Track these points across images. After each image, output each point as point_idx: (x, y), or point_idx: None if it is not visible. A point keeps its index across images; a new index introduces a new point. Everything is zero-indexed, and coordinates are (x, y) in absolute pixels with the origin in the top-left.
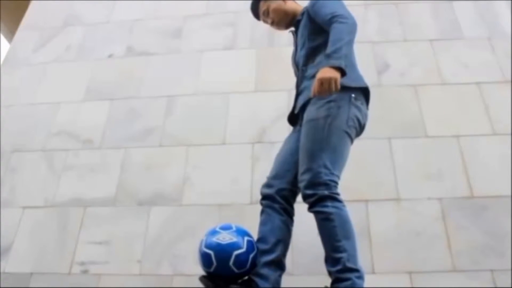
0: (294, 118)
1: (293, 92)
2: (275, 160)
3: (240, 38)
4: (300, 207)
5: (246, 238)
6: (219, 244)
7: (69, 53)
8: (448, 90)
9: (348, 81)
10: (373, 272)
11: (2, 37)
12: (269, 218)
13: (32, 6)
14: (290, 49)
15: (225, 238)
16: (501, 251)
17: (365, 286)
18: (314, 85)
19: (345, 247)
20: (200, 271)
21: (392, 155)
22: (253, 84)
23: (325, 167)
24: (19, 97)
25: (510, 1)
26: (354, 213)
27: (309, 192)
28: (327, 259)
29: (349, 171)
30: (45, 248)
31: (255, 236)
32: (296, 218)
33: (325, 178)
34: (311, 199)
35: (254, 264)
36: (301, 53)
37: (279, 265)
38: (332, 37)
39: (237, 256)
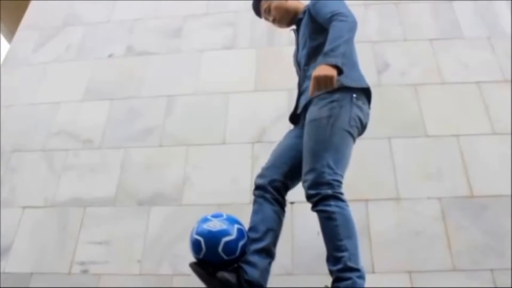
0: (296, 118)
1: (293, 92)
2: (272, 153)
3: (240, 38)
4: (301, 206)
5: (236, 226)
6: (209, 231)
7: (69, 53)
8: (448, 90)
9: (350, 81)
10: (373, 272)
11: (2, 37)
12: (260, 208)
13: (31, 6)
14: (290, 48)
15: (215, 225)
16: (501, 250)
17: (365, 285)
18: (310, 84)
19: (347, 246)
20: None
21: (392, 154)
22: (253, 83)
23: (329, 166)
24: (19, 97)
25: (510, 1)
26: (354, 213)
27: (312, 191)
28: (329, 258)
29: (349, 170)
30: (45, 248)
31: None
32: (296, 218)
33: (329, 177)
34: (315, 198)
35: (244, 252)
36: (303, 53)
37: (268, 253)
38: (330, 35)
39: (226, 243)
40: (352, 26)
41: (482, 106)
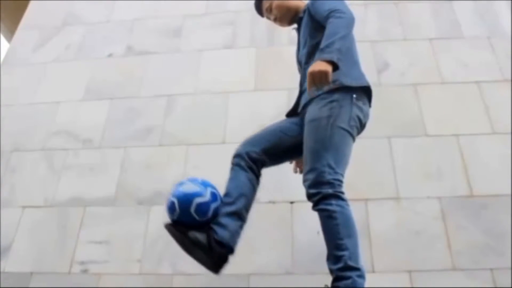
0: (294, 116)
1: (294, 92)
2: (261, 129)
3: (240, 37)
4: (300, 206)
5: (209, 189)
6: (182, 193)
7: (69, 52)
8: (448, 89)
9: (350, 81)
10: (373, 271)
11: (2, 37)
12: (235, 174)
13: (31, 5)
14: (290, 48)
15: (189, 187)
16: (501, 250)
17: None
18: (307, 80)
19: (347, 245)
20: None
21: (391, 154)
22: (253, 83)
23: (329, 166)
24: (19, 96)
25: (510, 1)
26: (354, 212)
27: (313, 191)
28: (329, 257)
29: (349, 170)
30: (45, 248)
31: None
32: (296, 217)
33: (329, 177)
34: (315, 198)
35: (216, 214)
36: (303, 51)
37: (239, 217)
38: (326, 31)
39: (199, 204)
40: (349, 23)
41: (482, 105)
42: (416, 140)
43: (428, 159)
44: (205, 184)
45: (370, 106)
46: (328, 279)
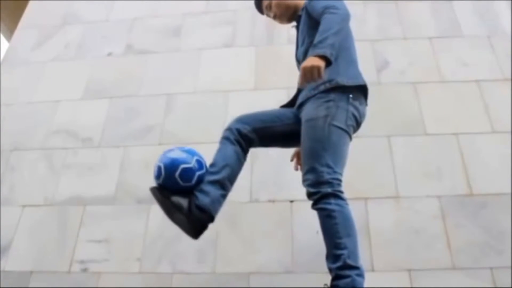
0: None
1: (293, 90)
2: (258, 110)
3: (240, 36)
4: (300, 205)
5: (196, 157)
6: (169, 158)
7: (68, 51)
8: (448, 88)
9: (346, 80)
10: (373, 270)
11: (2, 37)
12: (222, 147)
13: (31, 5)
14: (290, 47)
15: (176, 154)
16: (501, 249)
17: (365, 283)
18: (299, 75)
19: (346, 244)
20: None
21: (391, 153)
22: (253, 82)
23: (328, 166)
24: (18, 96)
25: (509, 0)
26: (353, 211)
27: (312, 190)
28: (328, 256)
29: (349, 169)
30: (45, 247)
31: None
32: (296, 216)
33: (328, 177)
34: (315, 197)
35: (200, 182)
36: (301, 49)
37: (222, 186)
38: (320, 27)
39: (184, 169)
40: (343, 18)
41: (482, 104)
42: (415, 139)
43: (428, 158)
44: (192, 153)
45: (366, 105)
46: (328, 278)
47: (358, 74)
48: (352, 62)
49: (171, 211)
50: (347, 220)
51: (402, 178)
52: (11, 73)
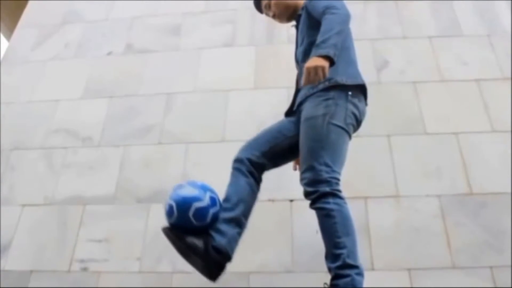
0: (291, 114)
1: (292, 90)
2: (261, 131)
3: (239, 36)
4: (300, 204)
5: (209, 194)
6: (181, 196)
7: (68, 50)
8: (448, 88)
9: (345, 79)
10: (372, 269)
11: (2, 37)
12: (235, 180)
13: (31, 4)
14: (290, 46)
15: (188, 191)
16: (500, 248)
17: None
18: (303, 75)
19: (346, 243)
20: None
21: (391, 152)
22: (252, 81)
23: (326, 164)
24: (18, 95)
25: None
26: (353, 210)
27: (310, 189)
28: (327, 256)
29: (348, 168)
30: (45, 246)
31: None
32: (296, 215)
33: (326, 175)
34: (313, 196)
35: (215, 220)
36: (300, 49)
37: (238, 223)
38: (322, 28)
39: (197, 208)
40: (344, 19)
41: (482, 104)
42: (415, 138)
43: (428, 157)
44: (205, 188)
45: (366, 104)
46: (328, 277)
47: (358, 74)
48: (351, 62)
49: (186, 252)
50: (346, 219)
51: (402, 177)
52: (11, 72)
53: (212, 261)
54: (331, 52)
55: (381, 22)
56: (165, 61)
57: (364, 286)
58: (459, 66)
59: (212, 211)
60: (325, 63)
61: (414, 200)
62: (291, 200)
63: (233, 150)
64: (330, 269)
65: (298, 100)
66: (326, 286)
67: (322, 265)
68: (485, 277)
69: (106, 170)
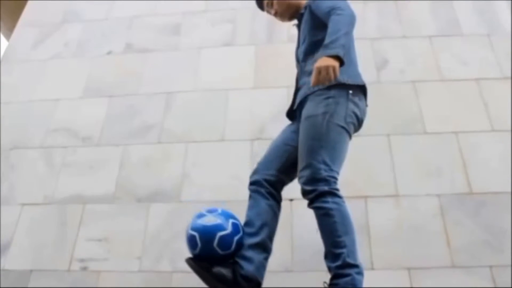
0: (292, 114)
1: (292, 89)
2: (268, 147)
3: (239, 35)
4: (300, 203)
5: (231, 221)
6: (203, 226)
7: (68, 49)
8: (447, 87)
9: (346, 78)
10: (372, 268)
11: (2, 37)
12: (255, 202)
13: (30, 3)
14: (289, 45)
15: (210, 220)
16: (500, 247)
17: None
18: (312, 75)
19: (345, 242)
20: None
21: (391, 151)
22: (252, 80)
23: (325, 163)
24: (18, 94)
25: None
26: (353, 210)
27: (308, 188)
28: (327, 255)
29: (348, 167)
30: (45, 245)
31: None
32: (295, 215)
33: (325, 174)
34: (311, 195)
35: (239, 246)
36: (302, 48)
37: (264, 248)
38: (329, 29)
39: (221, 237)
40: (351, 20)
41: (481, 103)
42: (415, 137)
43: (428, 156)
44: (226, 215)
45: (366, 105)
46: (328, 277)
47: (358, 74)
48: (352, 62)
49: (214, 284)
50: (345, 218)
51: (401, 176)
52: (10, 71)
53: None
54: (340, 53)
55: (381, 21)
56: (165, 61)
57: (364, 285)
58: (459, 66)
59: (236, 238)
60: (335, 63)
61: (414, 199)
62: (291, 200)
63: (233, 149)
64: (330, 269)
65: (299, 99)
66: (326, 285)
67: (322, 264)
68: (485, 276)
69: (106, 169)
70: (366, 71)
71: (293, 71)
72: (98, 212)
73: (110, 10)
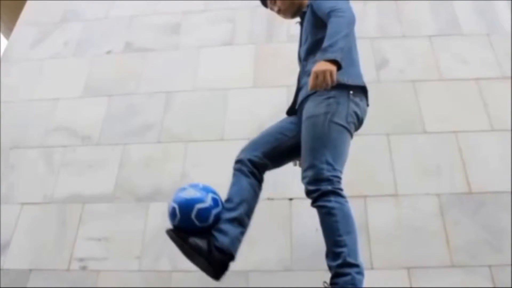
0: (292, 112)
1: (292, 88)
2: (261, 132)
3: (239, 34)
4: (299, 203)
5: (211, 195)
6: (183, 198)
7: (67, 49)
8: (447, 86)
9: (346, 79)
10: (372, 268)
11: (2, 36)
12: (237, 180)
13: (30, 2)
14: (289, 45)
15: (190, 193)
16: (499, 246)
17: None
18: (310, 79)
19: (346, 242)
20: None
21: (390, 151)
22: (252, 80)
23: (327, 163)
24: (18, 93)
25: None
26: (352, 209)
27: (312, 187)
28: (328, 254)
29: (348, 167)
30: (44, 245)
31: None
32: (295, 214)
33: (328, 174)
34: (314, 194)
35: (217, 220)
36: (304, 47)
37: (240, 223)
38: (328, 31)
39: (199, 210)
40: (350, 21)
41: (481, 102)
42: (415, 137)
43: (427, 156)
44: (207, 190)
45: (367, 104)
46: (328, 276)
47: (359, 75)
48: (353, 61)
49: (190, 254)
50: (347, 218)
51: (401, 176)
52: (10, 71)
53: (216, 261)
54: (338, 56)
55: (381, 21)
56: (164, 60)
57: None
58: (459, 65)
59: (214, 212)
60: (332, 68)
61: (413, 199)
62: (290, 199)
63: (232, 149)
64: (330, 268)
65: (300, 98)
66: (325, 285)
67: (322, 263)
68: (484, 275)
69: (105, 168)
70: (365, 71)
71: (292, 70)
72: (98, 211)
73: (109, 9)
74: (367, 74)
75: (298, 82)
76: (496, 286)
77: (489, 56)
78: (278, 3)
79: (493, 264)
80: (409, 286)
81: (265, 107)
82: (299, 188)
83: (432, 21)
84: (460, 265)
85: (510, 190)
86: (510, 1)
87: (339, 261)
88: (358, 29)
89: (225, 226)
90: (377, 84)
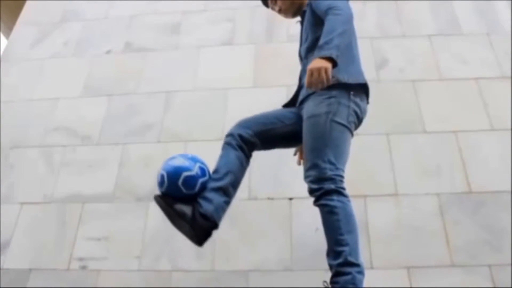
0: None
1: (292, 88)
2: (258, 113)
3: (239, 34)
4: (299, 202)
5: (198, 165)
6: (171, 166)
7: (67, 48)
8: (447, 86)
9: (347, 77)
10: (372, 268)
11: (2, 36)
12: (225, 153)
13: (29, 2)
14: (289, 45)
15: (178, 161)
16: (499, 246)
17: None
18: (305, 77)
19: (348, 241)
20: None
21: (390, 150)
22: (252, 80)
23: (330, 162)
24: (17, 93)
25: None
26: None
27: (315, 186)
28: (329, 253)
29: (348, 166)
30: (44, 244)
31: None
32: (295, 214)
33: (331, 173)
34: (317, 193)
35: (203, 189)
36: (304, 46)
37: (225, 193)
38: (324, 29)
39: (186, 177)
40: (347, 19)
41: (481, 102)
42: (415, 137)
43: (427, 155)
44: (195, 160)
45: (368, 102)
46: (327, 275)
47: (359, 72)
48: (353, 59)
49: (175, 219)
50: (349, 217)
51: (401, 176)
52: (10, 70)
53: (199, 227)
54: (334, 54)
55: (381, 20)
56: (164, 60)
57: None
58: (459, 65)
59: (201, 180)
60: (327, 65)
61: (413, 198)
62: (290, 198)
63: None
64: (331, 266)
65: (300, 97)
66: (325, 284)
67: (321, 263)
68: (484, 275)
69: (105, 168)
70: (365, 70)
71: (292, 70)
72: (98, 211)
73: (109, 9)
74: (367, 74)
75: (299, 80)
76: (496, 286)
77: (489, 56)
78: (279, 3)
79: (493, 264)
80: (409, 286)
81: (265, 107)
82: (299, 188)
83: (432, 21)
84: (460, 265)
85: (510, 190)
86: (510, 1)
87: (340, 260)
88: (358, 29)
89: (210, 195)
90: (377, 84)
